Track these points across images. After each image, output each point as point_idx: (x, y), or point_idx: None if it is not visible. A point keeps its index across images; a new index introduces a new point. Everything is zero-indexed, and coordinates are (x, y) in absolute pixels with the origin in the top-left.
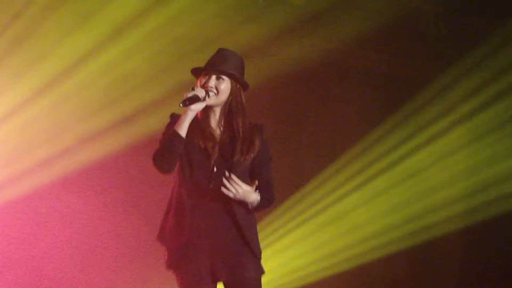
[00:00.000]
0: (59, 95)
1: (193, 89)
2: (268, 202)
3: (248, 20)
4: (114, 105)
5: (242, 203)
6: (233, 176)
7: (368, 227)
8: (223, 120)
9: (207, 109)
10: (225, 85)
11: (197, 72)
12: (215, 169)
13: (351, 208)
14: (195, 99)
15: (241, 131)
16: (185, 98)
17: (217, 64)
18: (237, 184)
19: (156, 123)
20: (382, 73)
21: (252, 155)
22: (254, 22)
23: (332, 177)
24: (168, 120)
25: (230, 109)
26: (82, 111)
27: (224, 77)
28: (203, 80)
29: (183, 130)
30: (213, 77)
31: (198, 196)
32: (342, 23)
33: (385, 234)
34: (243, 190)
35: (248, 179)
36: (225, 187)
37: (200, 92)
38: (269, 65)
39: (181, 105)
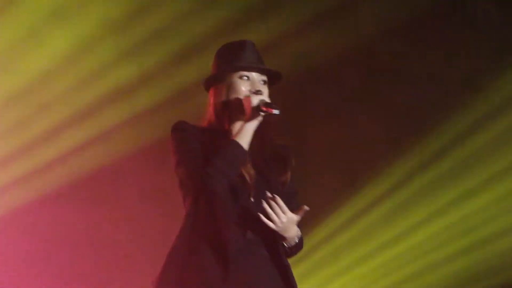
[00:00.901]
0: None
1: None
2: (302, 243)
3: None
4: (109, 109)
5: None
6: (277, 198)
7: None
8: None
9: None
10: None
11: (231, 70)
12: (251, 198)
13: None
14: (272, 108)
15: (274, 148)
16: (264, 102)
17: (260, 63)
18: (282, 208)
19: (154, 128)
20: (415, 72)
21: (289, 177)
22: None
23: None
24: (164, 124)
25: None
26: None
27: (265, 81)
28: (246, 84)
29: (247, 143)
30: (260, 80)
31: (239, 234)
32: (364, 12)
33: None
34: (287, 219)
35: None
36: (266, 213)
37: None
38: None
39: (263, 108)
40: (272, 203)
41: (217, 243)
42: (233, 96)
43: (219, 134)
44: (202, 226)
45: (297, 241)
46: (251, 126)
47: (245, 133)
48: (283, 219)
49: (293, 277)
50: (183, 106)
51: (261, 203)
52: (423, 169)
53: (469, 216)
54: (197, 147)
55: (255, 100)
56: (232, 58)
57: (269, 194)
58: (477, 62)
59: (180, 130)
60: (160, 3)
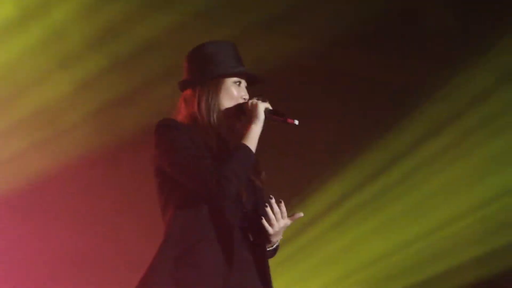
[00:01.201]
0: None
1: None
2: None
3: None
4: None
5: None
6: (282, 203)
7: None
8: None
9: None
10: None
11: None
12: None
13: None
14: (292, 119)
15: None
16: (274, 109)
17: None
18: (283, 213)
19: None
20: (369, 78)
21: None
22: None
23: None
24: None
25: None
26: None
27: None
28: (238, 89)
29: (255, 147)
30: (244, 86)
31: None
32: (318, 16)
33: None
34: (284, 224)
35: None
36: (267, 217)
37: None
38: None
39: (270, 114)
40: (275, 207)
41: (221, 243)
42: (226, 99)
43: (209, 133)
44: (197, 227)
45: (276, 246)
46: (258, 131)
47: (254, 137)
48: (281, 224)
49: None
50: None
51: (251, 205)
52: (374, 177)
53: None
54: (200, 147)
55: (262, 106)
56: (228, 62)
57: (273, 199)
58: (430, 69)
59: (171, 127)
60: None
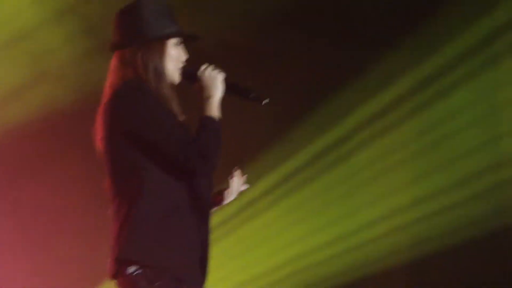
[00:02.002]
0: None
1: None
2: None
3: None
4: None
5: None
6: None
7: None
8: None
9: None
10: None
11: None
12: None
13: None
14: (263, 100)
15: None
16: (235, 82)
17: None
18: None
19: None
20: (299, 57)
21: None
22: None
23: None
24: None
25: None
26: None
27: None
28: (178, 51)
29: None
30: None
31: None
32: None
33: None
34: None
35: None
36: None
37: None
38: None
39: (234, 88)
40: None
41: (196, 215)
42: (169, 61)
43: (162, 99)
44: (173, 193)
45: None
46: (218, 101)
47: (217, 108)
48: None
49: None
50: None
51: None
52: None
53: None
54: (174, 119)
55: (221, 77)
56: (166, 22)
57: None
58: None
59: (144, 92)
60: None
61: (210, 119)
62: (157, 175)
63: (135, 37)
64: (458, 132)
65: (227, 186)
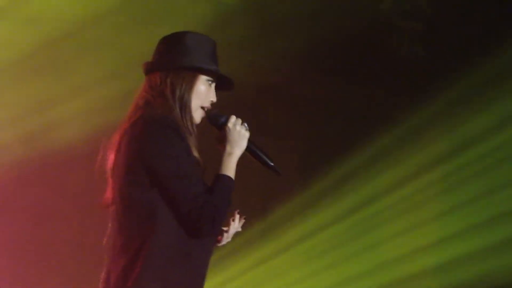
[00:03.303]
0: None
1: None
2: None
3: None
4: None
5: None
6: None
7: None
8: None
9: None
10: None
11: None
12: None
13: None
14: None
15: None
16: (258, 146)
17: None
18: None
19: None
20: (335, 102)
21: None
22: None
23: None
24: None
25: None
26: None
27: None
28: (208, 90)
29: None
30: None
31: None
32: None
33: None
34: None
35: None
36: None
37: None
38: None
39: (254, 153)
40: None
41: (198, 264)
42: (196, 96)
43: (185, 132)
44: (181, 239)
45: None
46: (236, 160)
47: (234, 168)
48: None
49: None
50: None
51: None
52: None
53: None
54: (192, 166)
55: (247, 134)
56: (205, 58)
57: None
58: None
59: (172, 131)
60: None
61: (227, 179)
62: (171, 221)
63: (169, 62)
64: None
65: (226, 228)
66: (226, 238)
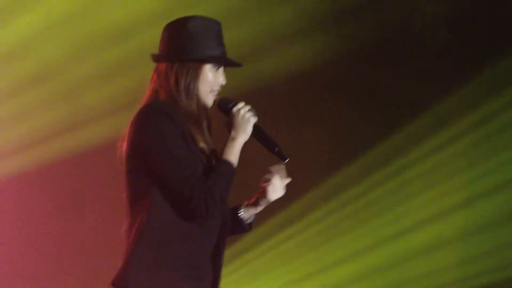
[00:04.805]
0: None
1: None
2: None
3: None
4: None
5: None
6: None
7: None
8: None
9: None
10: None
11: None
12: None
13: None
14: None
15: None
16: (265, 132)
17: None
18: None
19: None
20: (362, 86)
21: None
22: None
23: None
24: None
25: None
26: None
27: None
28: (216, 74)
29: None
30: (222, 71)
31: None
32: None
33: None
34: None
35: None
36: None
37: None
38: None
39: (261, 137)
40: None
41: (200, 246)
42: (203, 83)
43: (190, 120)
44: (177, 224)
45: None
46: (241, 145)
47: (237, 153)
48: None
49: None
50: None
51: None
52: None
53: None
54: (185, 149)
55: (253, 121)
56: (209, 43)
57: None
58: (426, 83)
59: (165, 117)
60: None
61: (227, 163)
62: (165, 203)
63: (174, 53)
64: None
65: (263, 192)
66: (273, 194)
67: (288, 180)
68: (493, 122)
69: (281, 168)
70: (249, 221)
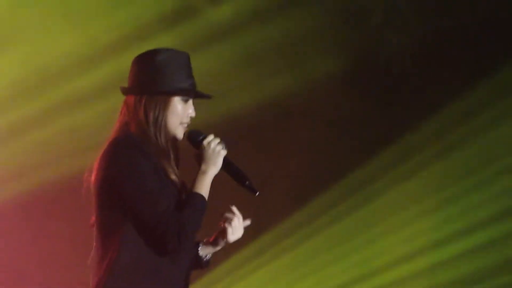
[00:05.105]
0: None
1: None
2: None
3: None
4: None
5: None
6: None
7: None
8: None
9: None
10: None
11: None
12: None
13: None
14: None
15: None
16: (235, 166)
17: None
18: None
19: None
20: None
21: None
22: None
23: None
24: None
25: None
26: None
27: None
28: (185, 107)
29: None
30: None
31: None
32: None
33: None
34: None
35: None
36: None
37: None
38: None
39: (230, 172)
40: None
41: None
42: (171, 115)
43: (159, 151)
44: (148, 256)
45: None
46: (211, 179)
47: (208, 186)
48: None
49: None
50: None
51: None
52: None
53: None
54: (158, 183)
55: (223, 154)
56: (178, 76)
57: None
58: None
59: (135, 152)
60: None
61: (199, 197)
62: (137, 238)
63: (143, 85)
64: None
65: (222, 232)
66: (233, 235)
67: (247, 223)
68: (458, 151)
69: (235, 210)
70: (206, 258)
